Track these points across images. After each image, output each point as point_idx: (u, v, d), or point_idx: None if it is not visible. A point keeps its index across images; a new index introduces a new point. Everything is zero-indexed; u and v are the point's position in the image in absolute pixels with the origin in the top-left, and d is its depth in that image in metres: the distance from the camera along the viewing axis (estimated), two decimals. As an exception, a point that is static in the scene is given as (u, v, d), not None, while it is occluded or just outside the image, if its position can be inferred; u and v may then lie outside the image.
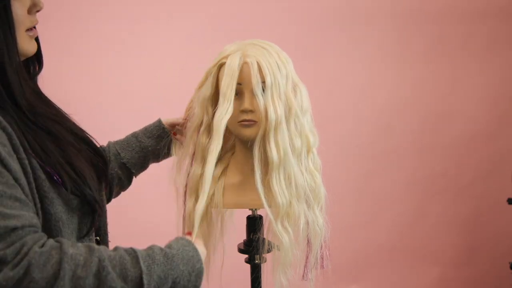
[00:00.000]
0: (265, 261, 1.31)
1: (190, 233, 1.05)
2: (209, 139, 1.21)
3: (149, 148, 1.31)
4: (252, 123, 1.17)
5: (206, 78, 1.22)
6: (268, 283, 1.32)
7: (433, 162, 2.67)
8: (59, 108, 1.05)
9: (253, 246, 1.29)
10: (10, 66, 0.88)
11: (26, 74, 0.95)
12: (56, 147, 0.93)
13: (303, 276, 1.26)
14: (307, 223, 1.22)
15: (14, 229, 0.80)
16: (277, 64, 1.17)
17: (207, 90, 1.21)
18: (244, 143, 1.21)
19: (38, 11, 0.95)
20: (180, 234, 1.16)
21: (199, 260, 0.94)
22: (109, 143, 1.32)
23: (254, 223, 1.29)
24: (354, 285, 2.64)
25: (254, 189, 1.19)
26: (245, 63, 1.15)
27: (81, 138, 1.03)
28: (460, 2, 2.61)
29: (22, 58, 0.95)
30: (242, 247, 1.32)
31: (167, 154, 1.34)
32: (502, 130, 2.70)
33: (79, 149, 1.00)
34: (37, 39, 1.00)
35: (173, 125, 1.33)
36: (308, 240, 1.24)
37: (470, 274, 2.71)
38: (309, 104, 1.24)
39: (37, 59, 1.02)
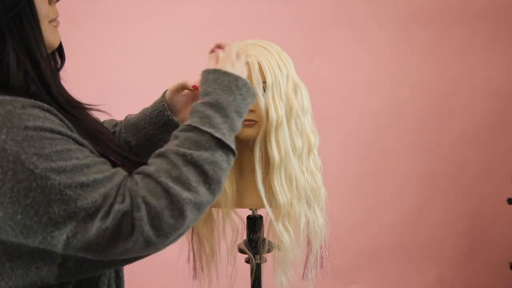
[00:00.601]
0: (265, 261, 1.31)
1: (213, 50, 1.10)
2: None
3: (159, 136, 1.20)
4: (252, 123, 1.17)
5: None
6: (268, 283, 1.32)
7: (433, 162, 2.67)
8: (79, 104, 1.04)
9: (253, 246, 1.29)
10: (43, 61, 0.88)
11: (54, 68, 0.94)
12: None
13: (303, 276, 1.26)
14: (308, 223, 1.22)
15: (121, 182, 0.85)
16: (278, 64, 1.17)
17: None
18: (245, 143, 1.21)
19: (57, 0, 0.94)
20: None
21: (235, 77, 0.97)
22: (125, 123, 1.27)
23: (254, 223, 1.29)
24: (354, 285, 2.64)
25: (254, 189, 1.19)
26: (246, 63, 1.15)
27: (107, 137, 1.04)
28: (460, 2, 2.61)
29: (49, 51, 0.94)
30: (242, 247, 1.32)
31: None
32: (502, 130, 2.70)
33: (113, 141, 1.02)
34: None
35: (182, 88, 1.20)
36: (308, 240, 1.24)
37: (470, 274, 2.71)
38: (310, 104, 1.24)
39: (59, 52, 1.00)
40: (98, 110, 1.03)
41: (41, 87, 0.88)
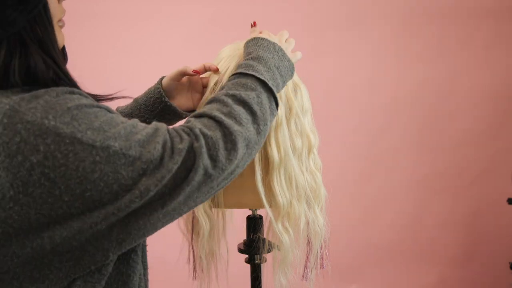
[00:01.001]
0: (265, 261, 1.31)
1: (255, 24, 1.19)
2: None
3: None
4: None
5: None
6: (268, 283, 1.32)
7: (433, 162, 2.67)
8: None
9: (253, 246, 1.29)
10: (60, 61, 0.88)
11: None
12: None
13: (303, 276, 1.26)
14: (308, 223, 1.22)
15: (167, 128, 0.88)
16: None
17: (209, 92, 1.21)
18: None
19: None
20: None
21: (273, 42, 1.06)
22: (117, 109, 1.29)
23: (254, 223, 1.29)
24: (354, 285, 2.64)
25: (254, 189, 1.19)
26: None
27: None
28: (460, 2, 2.61)
29: None
30: (242, 247, 1.32)
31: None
32: (502, 130, 2.70)
33: None
34: None
35: (181, 76, 1.22)
36: (308, 240, 1.24)
37: (470, 274, 2.71)
38: (310, 104, 1.24)
39: (62, 52, 0.99)
40: (118, 97, 1.04)
41: (67, 79, 0.89)
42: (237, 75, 0.99)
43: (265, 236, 1.29)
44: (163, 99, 1.19)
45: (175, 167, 0.83)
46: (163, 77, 1.23)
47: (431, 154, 2.67)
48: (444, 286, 2.71)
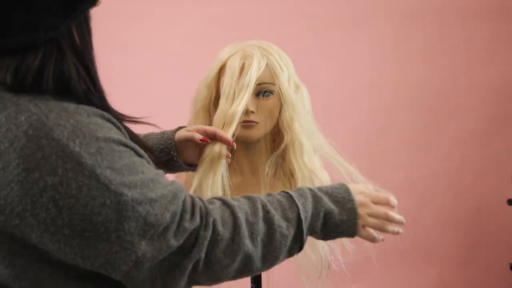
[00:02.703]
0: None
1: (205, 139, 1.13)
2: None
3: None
4: (253, 124, 1.17)
5: (206, 80, 1.22)
6: (268, 283, 1.32)
7: (433, 162, 2.67)
8: None
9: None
10: (94, 73, 0.87)
11: None
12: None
13: (319, 276, 1.27)
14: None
15: (185, 198, 0.83)
16: (279, 64, 1.17)
17: (209, 93, 1.21)
18: (244, 143, 1.21)
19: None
20: None
21: (351, 200, 0.98)
22: None
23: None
24: (354, 285, 2.64)
25: (254, 189, 1.19)
26: (244, 64, 1.15)
27: None
28: (460, 2, 2.61)
29: None
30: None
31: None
32: (502, 130, 2.69)
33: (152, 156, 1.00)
34: None
35: (188, 141, 1.20)
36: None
37: (470, 274, 2.71)
38: (310, 104, 1.24)
39: None
40: (144, 122, 1.00)
41: (98, 95, 0.86)
42: (287, 195, 0.93)
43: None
44: (172, 152, 1.17)
45: (175, 246, 0.79)
46: (179, 128, 1.21)
47: (431, 154, 2.66)
48: (444, 286, 2.71)
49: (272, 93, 1.18)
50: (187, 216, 0.81)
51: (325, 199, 0.95)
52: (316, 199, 0.94)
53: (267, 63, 1.16)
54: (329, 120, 2.49)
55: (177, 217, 0.80)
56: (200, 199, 0.86)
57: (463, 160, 2.69)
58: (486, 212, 2.71)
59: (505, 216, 2.64)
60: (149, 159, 0.85)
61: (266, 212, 0.88)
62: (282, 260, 0.91)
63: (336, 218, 0.95)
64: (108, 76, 2.49)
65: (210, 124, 1.22)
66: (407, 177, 2.65)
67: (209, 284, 0.87)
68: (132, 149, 0.81)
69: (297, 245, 0.91)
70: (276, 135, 1.24)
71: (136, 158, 0.80)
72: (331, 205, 0.95)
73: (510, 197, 2.28)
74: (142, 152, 0.83)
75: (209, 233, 0.81)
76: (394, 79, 2.61)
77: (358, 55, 2.57)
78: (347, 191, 0.99)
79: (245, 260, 0.85)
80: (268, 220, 0.87)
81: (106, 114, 0.82)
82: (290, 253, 0.91)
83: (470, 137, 2.67)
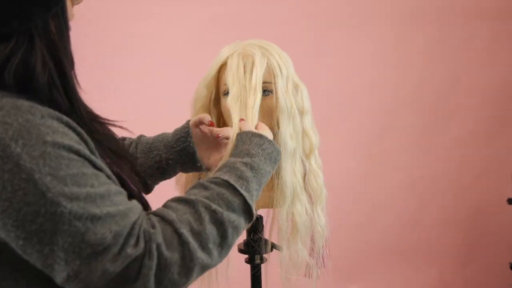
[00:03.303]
0: (265, 261, 1.31)
1: (242, 119, 1.07)
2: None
3: (170, 161, 1.15)
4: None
5: (206, 80, 1.22)
6: (268, 283, 1.32)
7: (433, 162, 2.67)
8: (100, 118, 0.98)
9: (253, 247, 1.29)
10: (67, 68, 0.81)
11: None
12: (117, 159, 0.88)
13: (305, 274, 1.26)
14: (311, 223, 1.22)
15: (136, 221, 0.77)
16: (278, 64, 1.17)
17: (209, 92, 1.21)
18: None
19: (79, 2, 0.87)
20: None
21: (278, 151, 0.99)
22: (137, 140, 1.21)
23: (254, 223, 1.29)
24: (354, 285, 2.64)
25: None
26: (245, 63, 1.15)
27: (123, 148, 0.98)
28: (460, 2, 2.61)
29: None
30: (242, 247, 1.32)
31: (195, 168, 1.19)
32: (502, 130, 2.70)
33: (133, 162, 0.97)
34: None
35: (198, 123, 1.17)
36: (312, 239, 1.24)
37: (470, 274, 2.71)
38: (310, 104, 1.24)
39: None
40: (118, 126, 0.95)
41: (64, 94, 0.80)
42: (227, 184, 0.87)
43: (266, 236, 1.29)
44: (189, 139, 1.14)
45: (112, 272, 0.73)
46: (189, 120, 1.18)
47: (431, 154, 2.67)
48: (444, 286, 2.71)
49: (271, 93, 1.18)
50: (132, 241, 0.75)
51: (263, 168, 0.95)
52: (256, 174, 0.92)
53: (267, 63, 1.16)
54: (329, 120, 2.50)
55: (120, 240, 0.74)
56: (144, 220, 0.79)
57: (463, 160, 2.69)
58: (486, 212, 2.71)
59: (505, 216, 2.64)
60: (109, 173, 0.80)
61: (212, 212, 0.82)
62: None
63: (270, 172, 0.98)
64: (108, 76, 2.52)
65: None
66: (407, 177, 2.65)
67: None
68: (87, 159, 0.75)
69: (247, 223, 0.90)
70: (274, 135, 1.24)
71: (89, 170, 0.75)
72: (267, 169, 0.96)
73: (510, 197, 2.28)
74: (100, 165, 0.78)
75: (153, 262, 0.75)
76: (394, 79, 2.61)
77: (358, 55, 2.57)
78: (272, 143, 0.99)
79: (203, 270, 0.81)
80: (217, 220, 0.83)
81: (65, 118, 0.76)
82: (244, 229, 0.91)
83: (470, 137, 2.67)
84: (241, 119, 1.07)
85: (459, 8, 2.61)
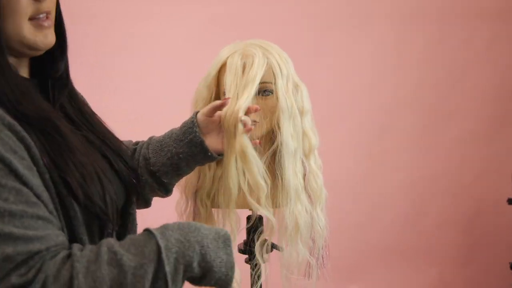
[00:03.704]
0: (265, 262, 1.31)
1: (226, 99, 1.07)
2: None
3: (180, 156, 1.12)
4: (254, 123, 1.17)
5: (206, 80, 1.22)
6: (268, 283, 1.32)
7: (433, 162, 2.67)
8: (90, 115, 0.96)
9: (253, 246, 1.28)
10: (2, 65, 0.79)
11: (9, 71, 0.81)
12: (74, 159, 0.84)
13: (304, 274, 1.26)
14: (311, 223, 1.22)
15: (38, 252, 0.73)
16: (278, 64, 1.17)
17: (209, 92, 1.21)
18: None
19: None
20: None
21: (222, 229, 0.85)
22: (148, 141, 1.20)
23: (254, 223, 1.29)
24: (354, 285, 2.64)
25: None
26: (245, 63, 1.15)
27: (113, 149, 0.96)
28: (460, 2, 2.61)
29: (32, 52, 0.85)
30: (242, 247, 1.32)
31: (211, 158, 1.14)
32: (502, 130, 2.69)
33: (101, 166, 0.92)
34: (62, 32, 0.89)
35: (214, 110, 1.13)
36: (312, 240, 1.24)
37: (470, 274, 2.71)
38: (310, 104, 1.24)
39: (56, 54, 0.90)
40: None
41: (10, 92, 0.78)
42: (146, 231, 0.81)
43: (265, 236, 1.29)
44: (195, 129, 1.10)
45: None
46: (197, 112, 1.15)
47: (431, 154, 2.67)
48: (444, 286, 2.71)
49: (271, 93, 1.18)
50: (22, 270, 0.70)
51: (195, 225, 0.82)
52: (183, 226, 0.81)
53: (267, 63, 1.16)
54: (329, 120, 2.50)
55: (9, 266, 0.70)
56: (53, 253, 0.75)
57: (463, 160, 2.69)
58: (486, 212, 2.71)
59: (505, 216, 2.64)
60: (40, 192, 0.75)
61: (113, 253, 0.75)
62: None
63: (213, 244, 0.81)
64: (108, 76, 2.52)
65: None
66: (407, 177, 2.65)
67: None
68: (13, 171, 0.72)
69: (162, 283, 0.76)
70: (273, 136, 1.24)
71: (9, 183, 0.72)
72: (202, 231, 0.82)
73: (510, 197, 2.28)
74: (29, 181, 0.74)
75: None
76: (394, 79, 2.61)
77: (358, 55, 2.57)
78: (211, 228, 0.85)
79: None
80: (115, 262, 0.74)
81: (7, 120, 0.74)
82: None
83: (470, 137, 2.67)
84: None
85: (459, 8, 2.61)
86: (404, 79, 2.62)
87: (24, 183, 0.73)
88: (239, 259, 1.32)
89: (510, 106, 2.69)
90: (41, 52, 0.87)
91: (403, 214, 2.67)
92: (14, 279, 0.70)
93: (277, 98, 1.17)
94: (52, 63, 0.91)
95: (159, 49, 2.34)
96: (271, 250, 1.29)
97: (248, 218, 1.31)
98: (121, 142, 1.03)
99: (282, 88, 1.17)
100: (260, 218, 1.30)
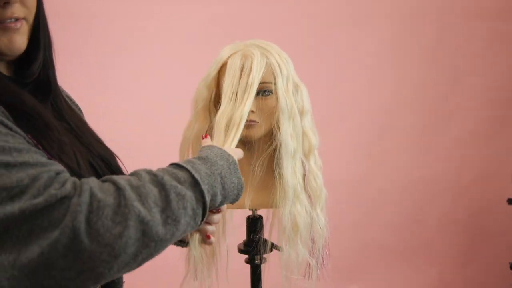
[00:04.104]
0: (265, 262, 1.31)
1: (206, 136, 1.06)
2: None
3: None
4: (253, 123, 1.17)
5: (206, 80, 1.22)
6: (268, 283, 1.32)
7: (433, 162, 2.67)
8: (77, 124, 0.96)
9: (253, 247, 1.29)
10: None
11: None
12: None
13: (304, 274, 1.26)
14: (311, 223, 1.22)
15: (58, 173, 0.74)
16: (278, 64, 1.17)
17: (209, 92, 1.21)
18: (244, 143, 1.21)
19: (6, 3, 0.82)
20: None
21: (229, 154, 0.93)
22: None
23: (254, 224, 1.29)
24: (354, 285, 2.64)
25: (254, 189, 1.19)
26: (244, 64, 1.15)
27: (99, 156, 0.96)
28: (460, 2, 2.61)
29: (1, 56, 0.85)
30: (242, 248, 1.32)
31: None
32: (502, 130, 2.69)
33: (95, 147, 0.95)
34: (38, 38, 0.89)
35: None
36: (312, 240, 1.24)
37: (470, 274, 2.71)
38: (310, 104, 1.24)
39: (28, 61, 0.89)
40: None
41: None
42: (174, 165, 0.85)
43: (266, 236, 1.29)
44: None
45: (32, 208, 0.69)
46: None
47: (431, 154, 2.67)
48: (444, 286, 2.71)
49: (271, 93, 1.18)
50: (56, 185, 0.72)
51: (212, 158, 0.89)
52: (204, 160, 0.88)
53: (266, 63, 1.16)
54: (329, 120, 2.50)
55: (41, 182, 0.71)
56: (73, 178, 0.77)
57: (463, 160, 2.69)
58: (486, 212, 2.71)
59: (505, 216, 2.64)
60: (32, 144, 0.78)
61: (153, 175, 0.79)
62: (187, 228, 0.80)
63: (227, 172, 0.90)
64: (108, 76, 2.52)
65: (211, 123, 1.22)
66: (407, 177, 2.65)
67: (118, 272, 0.74)
68: (2, 123, 0.75)
69: (199, 209, 0.82)
70: (273, 136, 1.24)
71: (2, 130, 0.74)
72: (219, 162, 0.89)
73: (510, 197, 2.28)
74: (16, 130, 0.76)
75: (84, 199, 0.71)
76: (394, 79, 2.62)
77: (358, 55, 2.57)
78: (219, 148, 0.94)
79: (141, 226, 0.73)
80: (157, 181, 0.78)
81: None
82: (195, 219, 0.81)
83: (470, 137, 2.67)
84: (205, 135, 1.06)
85: (459, 8, 2.61)
86: (404, 79, 2.62)
87: (15, 132, 0.76)
88: (239, 259, 1.32)
89: (510, 106, 2.69)
90: (11, 57, 0.87)
91: (403, 214, 2.67)
92: (54, 191, 0.71)
93: (277, 98, 1.17)
94: (28, 66, 0.90)
95: (159, 49, 2.34)
96: (271, 250, 1.29)
97: (248, 218, 1.31)
98: (111, 153, 1.02)
99: (282, 88, 1.17)
100: (260, 218, 1.30)
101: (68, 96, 1.06)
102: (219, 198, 0.87)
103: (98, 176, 0.91)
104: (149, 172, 0.81)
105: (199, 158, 0.89)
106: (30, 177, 0.71)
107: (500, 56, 2.66)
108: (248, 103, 1.12)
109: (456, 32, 2.63)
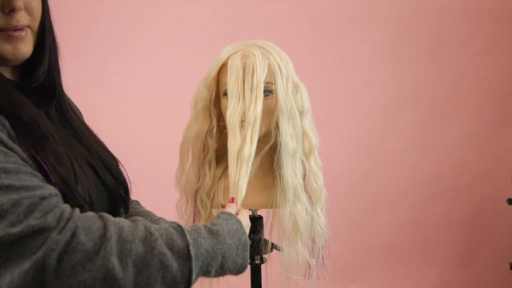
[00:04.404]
0: (265, 262, 1.31)
1: (233, 199, 1.03)
2: (219, 140, 1.22)
3: None
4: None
5: (206, 80, 1.22)
6: (268, 283, 1.32)
7: (433, 162, 2.67)
8: (80, 128, 0.97)
9: (253, 247, 1.29)
10: None
11: None
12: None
13: (304, 274, 1.26)
14: (311, 223, 1.22)
15: (43, 198, 0.74)
16: (278, 64, 1.17)
17: (209, 93, 1.21)
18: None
19: (11, 10, 0.82)
20: None
21: (244, 232, 0.89)
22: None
23: (254, 224, 1.29)
24: (354, 285, 2.64)
25: (254, 189, 1.19)
26: (246, 63, 1.15)
27: (100, 160, 0.96)
28: (460, 2, 2.61)
29: (5, 62, 0.86)
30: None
31: None
32: (502, 130, 2.69)
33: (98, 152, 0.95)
34: (43, 43, 0.89)
35: None
36: (313, 240, 1.24)
37: (470, 274, 2.71)
38: (310, 104, 1.24)
39: (30, 64, 0.89)
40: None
41: None
42: (177, 226, 0.83)
43: (266, 236, 1.29)
44: None
45: (8, 237, 0.69)
46: None
47: (431, 154, 2.67)
48: (444, 286, 2.71)
49: (271, 93, 1.18)
50: (37, 214, 0.72)
51: (222, 235, 0.86)
52: (213, 235, 0.85)
53: (267, 63, 1.16)
54: (329, 120, 2.50)
55: (20, 209, 0.71)
56: (74, 209, 0.77)
57: (463, 160, 2.69)
58: (486, 212, 2.71)
59: (505, 216, 2.64)
60: (25, 158, 0.77)
61: (149, 233, 0.77)
62: None
63: (233, 253, 0.86)
64: (109, 76, 2.52)
65: (211, 123, 1.23)
66: (407, 177, 2.65)
67: None
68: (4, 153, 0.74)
69: (181, 284, 0.78)
70: (272, 136, 1.24)
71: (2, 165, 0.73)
72: (228, 241, 0.86)
73: (510, 197, 2.28)
74: (13, 146, 0.76)
75: (64, 237, 0.71)
76: (394, 79, 2.62)
77: (358, 55, 2.57)
78: (238, 221, 0.91)
79: (110, 281, 0.72)
80: (148, 242, 0.76)
81: None
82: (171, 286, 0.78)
83: (470, 137, 2.67)
84: (232, 198, 1.04)
85: (458, 8, 2.61)
86: (404, 79, 2.62)
87: (10, 148, 0.75)
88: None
89: (510, 106, 2.69)
90: (16, 63, 0.87)
91: (403, 214, 2.67)
92: (33, 222, 0.71)
93: (276, 98, 1.17)
94: (33, 71, 0.90)
95: (160, 49, 2.34)
96: (271, 250, 1.29)
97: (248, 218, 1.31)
98: (113, 157, 1.02)
99: (282, 89, 1.17)
100: (260, 218, 1.30)
101: (68, 99, 1.07)
102: (212, 274, 0.85)
103: (99, 178, 0.92)
104: (147, 227, 0.79)
105: (209, 230, 0.86)
106: (11, 202, 0.71)
107: (500, 56, 2.66)
108: (259, 103, 1.12)
109: (456, 32, 2.63)
